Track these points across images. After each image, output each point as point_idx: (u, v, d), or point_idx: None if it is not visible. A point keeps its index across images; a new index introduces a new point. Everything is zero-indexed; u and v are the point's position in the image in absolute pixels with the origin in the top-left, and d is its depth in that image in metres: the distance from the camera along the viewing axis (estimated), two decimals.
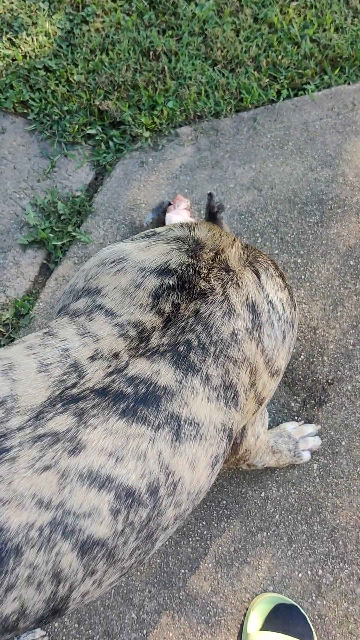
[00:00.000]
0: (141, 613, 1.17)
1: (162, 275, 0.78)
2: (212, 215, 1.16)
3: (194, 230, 0.87)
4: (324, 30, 1.73)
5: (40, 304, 1.45)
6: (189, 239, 0.84)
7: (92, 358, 0.70)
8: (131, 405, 0.67)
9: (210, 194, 1.10)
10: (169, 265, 0.79)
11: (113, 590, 1.18)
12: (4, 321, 1.43)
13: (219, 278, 0.79)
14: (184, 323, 0.75)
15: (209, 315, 0.76)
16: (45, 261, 1.51)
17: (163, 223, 1.16)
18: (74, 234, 1.50)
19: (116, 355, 0.71)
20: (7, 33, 1.78)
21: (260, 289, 0.83)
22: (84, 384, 0.67)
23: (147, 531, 0.68)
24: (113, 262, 0.82)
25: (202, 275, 0.79)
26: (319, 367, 1.34)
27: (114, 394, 0.67)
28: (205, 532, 1.22)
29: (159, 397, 0.69)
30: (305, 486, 1.25)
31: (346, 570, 1.19)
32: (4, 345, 1.41)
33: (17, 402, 0.65)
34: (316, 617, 1.16)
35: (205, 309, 0.76)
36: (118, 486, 0.64)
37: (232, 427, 0.78)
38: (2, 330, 1.42)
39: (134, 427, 0.66)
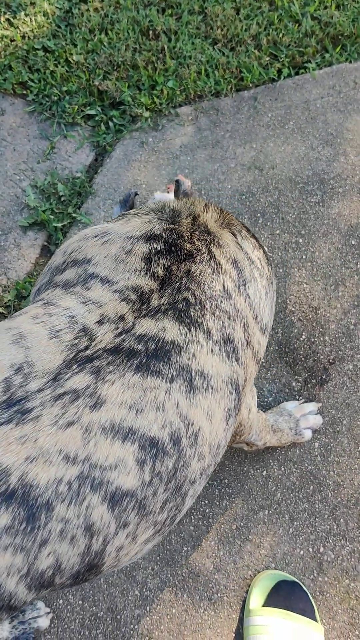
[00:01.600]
0: (144, 590, 1.18)
1: (150, 240, 0.80)
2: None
3: (167, 203, 0.90)
4: (325, 7, 1.71)
5: None
6: (165, 208, 0.88)
7: (100, 322, 0.71)
8: (144, 360, 0.69)
9: (177, 182, 1.13)
10: (154, 231, 0.81)
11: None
12: (5, 303, 1.43)
13: (202, 239, 0.82)
14: (178, 283, 0.77)
15: (200, 273, 0.78)
16: (46, 243, 1.51)
17: None
18: (74, 215, 1.50)
19: (122, 317, 0.72)
20: (5, 13, 1.76)
21: (239, 246, 0.86)
22: (95, 346, 0.69)
23: (176, 482, 0.70)
24: (96, 235, 0.84)
25: (186, 238, 0.82)
26: (320, 347, 1.34)
27: (127, 351, 0.69)
28: (207, 510, 1.23)
29: (169, 351, 0.71)
30: (306, 465, 1.26)
31: (347, 548, 1.20)
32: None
33: (33, 367, 0.66)
34: (318, 593, 1.17)
35: (195, 268, 0.79)
36: (141, 437, 0.65)
37: (237, 381, 0.80)
38: (3, 312, 1.42)
39: (150, 381, 0.68)
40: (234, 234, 0.88)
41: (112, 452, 0.63)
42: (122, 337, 0.70)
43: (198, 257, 0.80)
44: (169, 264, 0.78)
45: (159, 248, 0.79)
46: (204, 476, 0.75)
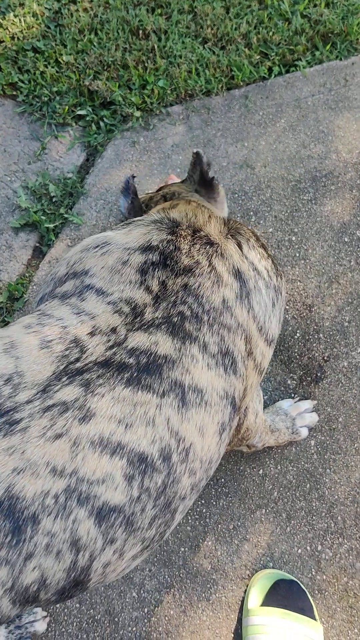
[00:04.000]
0: (142, 592, 1.17)
1: (146, 251, 0.80)
2: (205, 182, 1.14)
3: (169, 212, 0.90)
4: (315, 5, 1.71)
5: (34, 287, 1.44)
6: (165, 219, 0.87)
7: (92, 334, 0.71)
8: (135, 374, 0.68)
9: (197, 153, 1.09)
10: (151, 242, 0.81)
11: None
12: None
13: (202, 252, 0.82)
14: (174, 297, 0.76)
15: (198, 287, 0.78)
16: (38, 244, 1.50)
17: (140, 207, 1.15)
18: (66, 215, 1.49)
19: (114, 330, 0.72)
20: None
21: (244, 257, 0.85)
22: (86, 358, 0.68)
23: (165, 499, 0.69)
24: (97, 246, 0.84)
25: (184, 251, 0.81)
26: (314, 345, 1.34)
27: (117, 365, 0.69)
28: (204, 510, 1.22)
29: (161, 366, 0.70)
30: (303, 463, 1.25)
31: (345, 545, 1.19)
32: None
33: (23, 378, 0.65)
34: (316, 592, 1.16)
35: (193, 282, 0.78)
36: (130, 452, 0.65)
37: (234, 394, 0.79)
38: None
39: (140, 395, 0.67)
40: (239, 245, 0.87)
41: (100, 466, 0.63)
42: (113, 350, 0.70)
43: (197, 270, 0.79)
44: (164, 277, 0.77)
45: (154, 260, 0.78)
46: (195, 491, 0.74)
